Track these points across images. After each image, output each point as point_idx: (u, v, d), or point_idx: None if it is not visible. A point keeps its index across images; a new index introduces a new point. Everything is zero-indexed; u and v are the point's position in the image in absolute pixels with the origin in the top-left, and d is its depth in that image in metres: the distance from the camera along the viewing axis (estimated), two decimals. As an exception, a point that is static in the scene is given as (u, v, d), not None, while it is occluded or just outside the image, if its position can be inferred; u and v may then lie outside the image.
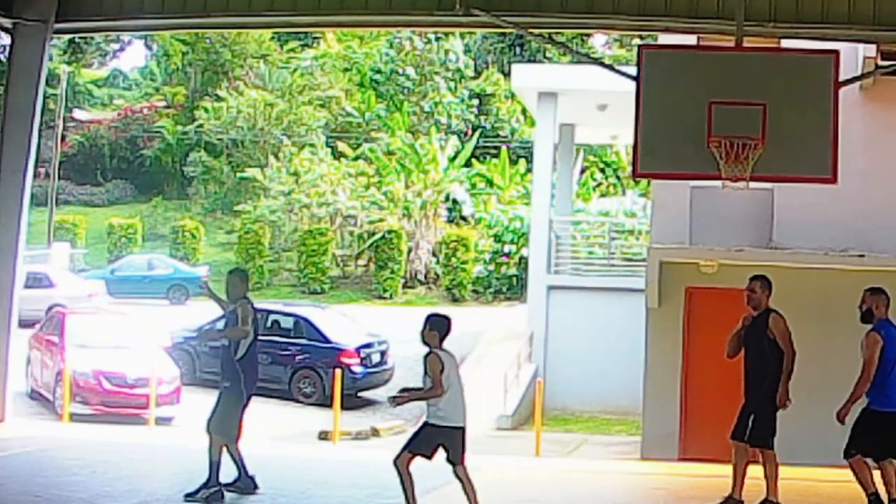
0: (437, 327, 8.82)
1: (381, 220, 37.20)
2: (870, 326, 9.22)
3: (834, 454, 10.59)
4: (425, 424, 8.71)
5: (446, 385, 8.61)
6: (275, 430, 18.45)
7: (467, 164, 40.12)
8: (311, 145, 41.39)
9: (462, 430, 8.82)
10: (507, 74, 40.59)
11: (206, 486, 9.57)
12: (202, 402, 20.64)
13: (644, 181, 28.53)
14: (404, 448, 8.68)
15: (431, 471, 10.48)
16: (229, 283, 9.84)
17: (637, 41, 32.16)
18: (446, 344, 8.75)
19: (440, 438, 8.67)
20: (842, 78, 11.32)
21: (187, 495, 9.49)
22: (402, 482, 8.69)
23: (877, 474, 9.24)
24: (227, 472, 9.73)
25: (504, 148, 41.42)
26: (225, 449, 9.67)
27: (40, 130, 14.86)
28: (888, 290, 10.04)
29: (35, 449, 12.38)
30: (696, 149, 10.85)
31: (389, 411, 22.27)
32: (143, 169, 49.91)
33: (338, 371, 17.81)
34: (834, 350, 10.95)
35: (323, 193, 38.52)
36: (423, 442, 8.67)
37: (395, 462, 8.66)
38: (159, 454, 13.13)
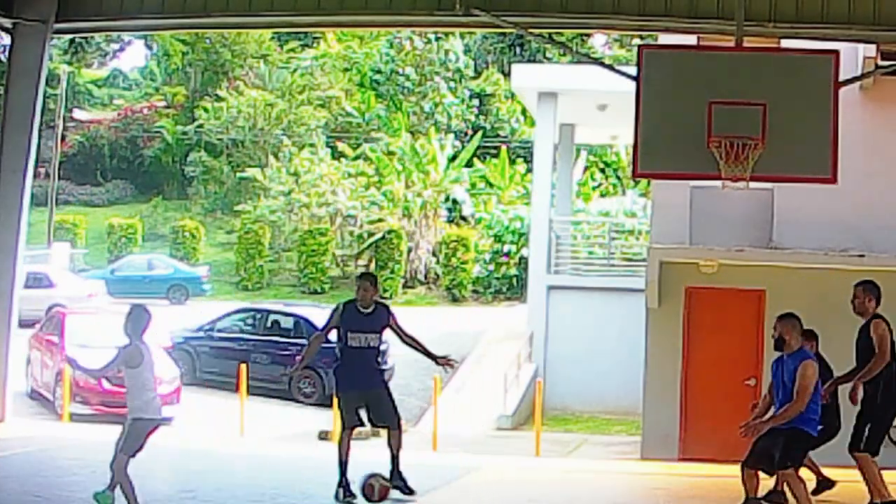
0: (137, 320, 8.69)
1: (380, 220, 37.21)
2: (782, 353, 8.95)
3: (829, 454, 10.61)
4: (136, 420, 8.65)
5: (142, 378, 8.59)
6: (275, 430, 18.45)
7: (468, 165, 40.12)
8: (311, 145, 41.39)
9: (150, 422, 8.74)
10: (507, 74, 40.58)
11: (404, 482, 9.97)
12: (202, 402, 20.78)
13: (644, 181, 28.53)
14: (123, 453, 8.59)
15: (432, 471, 10.50)
16: (366, 287, 9.89)
17: (637, 41, 32.14)
18: None
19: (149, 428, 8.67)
20: (842, 78, 11.32)
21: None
22: (121, 487, 8.55)
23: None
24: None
25: (504, 148, 41.42)
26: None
27: (40, 130, 14.85)
28: (888, 290, 10.05)
29: (35, 449, 12.37)
30: (696, 149, 10.85)
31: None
32: (143, 169, 49.90)
33: (338, 371, 17.79)
34: (833, 350, 10.92)
35: (323, 193, 38.52)
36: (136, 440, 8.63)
37: (113, 466, 8.55)
38: (159, 454, 13.11)
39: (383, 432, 10.33)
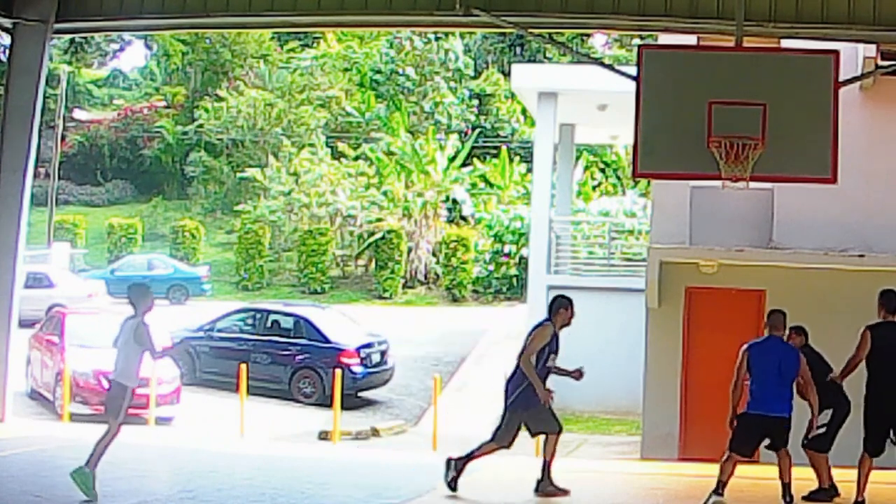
0: (142, 298, 9.85)
1: (380, 220, 37.21)
2: None
3: (835, 453, 10.61)
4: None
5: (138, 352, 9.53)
6: (275, 430, 18.46)
7: (465, 164, 40.07)
8: (311, 145, 41.39)
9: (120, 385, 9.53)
10: (507, 74, 40.57)
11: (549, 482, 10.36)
12: (202, 402, 20.77)
13: (644, 181, 28.51)
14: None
15: (432, 471, 10.50)
16: (572, 311, 10.54)
17: (637, 41, 32.15)
18: None
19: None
20: (842, 78, 11.32)
21: None
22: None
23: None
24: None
25: (504, 148, 41.42)
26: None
27: (40, 130, 14.85)
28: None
29: (35, 449, 12.38)
30: (696, 149, 10.85)
31: (390, 411, 22.31)
32: (143, 169, 49.92)
33: (338, 371, 17.81)
34: (834, 350, 10.93)
35: (323, 193, 38.52)
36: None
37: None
38: (159, 454, 13.13)
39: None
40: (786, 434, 10.00)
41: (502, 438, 10.27)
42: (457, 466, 10.22)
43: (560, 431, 10.44)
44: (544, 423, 10.37)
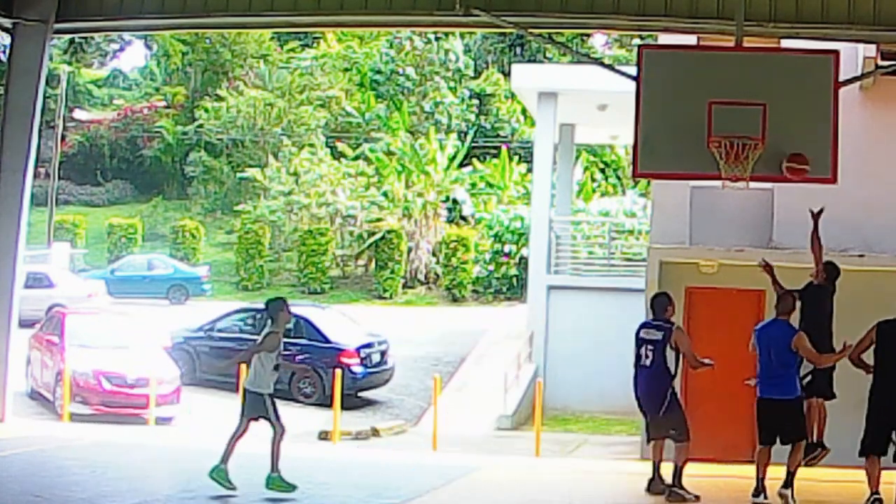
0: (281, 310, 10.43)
1: (380, 220, 37.21)
2: None
3: (835, 453, 10.61)
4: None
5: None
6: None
7: (465, 164, 40.05)
8: (311, 145, 41.39)
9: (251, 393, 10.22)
10: (507, 74, 40.56)
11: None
12: (202, 402, 20.77)
13: (644, 181, 28.52)
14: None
15: (432, 471, 10.52)
16: (665, 307, 10.70)
17: (637, 41, 32.15)
18: None
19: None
20: (842, 78, 11.33)
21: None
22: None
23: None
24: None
25: (504, 148, 41.41)
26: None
27: (40, 130, 14.87)
28: (888, 290, 10.11)
29: (35, 449, 12.38)
30: (696, 149, 10.86)
31: (390, 411, 22.31)
32: (143, 169, 49.90)
33: (338, 371, 17.81)
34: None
35: (323, 193, 38.52)
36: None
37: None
38: (159, 454, 13.13)
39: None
40: (791, 420, 9.96)
41: (683, 433, 10.57)
42: (676, 485, 10.50)
43: (689, 441, 10.63)
44: (679, 430, 10.61)
